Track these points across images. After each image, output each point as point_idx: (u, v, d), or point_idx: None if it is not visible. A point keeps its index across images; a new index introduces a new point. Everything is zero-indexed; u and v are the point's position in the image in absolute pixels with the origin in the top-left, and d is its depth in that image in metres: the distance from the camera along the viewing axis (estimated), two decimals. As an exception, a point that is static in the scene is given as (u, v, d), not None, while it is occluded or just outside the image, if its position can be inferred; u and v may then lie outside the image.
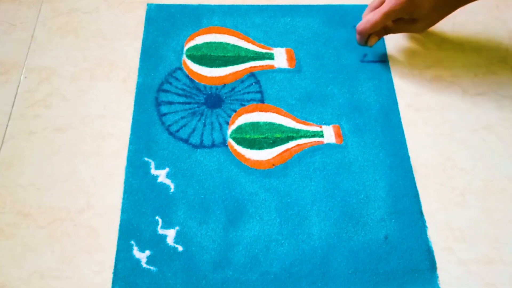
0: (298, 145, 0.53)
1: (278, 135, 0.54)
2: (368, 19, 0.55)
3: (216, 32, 0.61)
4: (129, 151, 0.52)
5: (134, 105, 0.55)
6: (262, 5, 0.63)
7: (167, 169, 0.51)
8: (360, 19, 0.61)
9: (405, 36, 0.61)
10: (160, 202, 0.49)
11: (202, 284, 0.45)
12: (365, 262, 0.47)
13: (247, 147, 0.53)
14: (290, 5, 0.63)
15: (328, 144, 0.53)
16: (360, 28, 0.55)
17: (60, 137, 0.53)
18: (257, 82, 0.57)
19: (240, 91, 0.57)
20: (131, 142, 0.52)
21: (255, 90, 0.57)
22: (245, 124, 0.54)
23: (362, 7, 0.61)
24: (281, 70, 0.58)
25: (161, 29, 0.61)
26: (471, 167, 0.52)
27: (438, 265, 0.47)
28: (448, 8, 0.55)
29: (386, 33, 0.58)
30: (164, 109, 0.55)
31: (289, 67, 0.59)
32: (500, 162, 0.53)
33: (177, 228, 0.48)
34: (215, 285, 0.45)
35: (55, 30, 0.60)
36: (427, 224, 0.49)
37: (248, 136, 0.53)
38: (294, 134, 0.54)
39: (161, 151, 0.52)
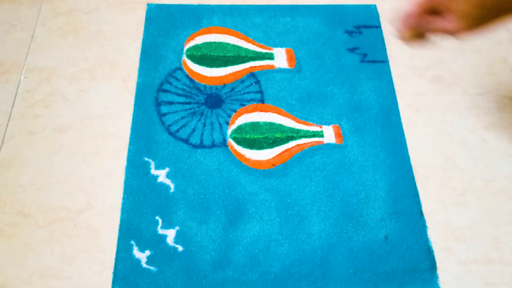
0: (298, 145, 0.53)
1: (278, 135, 0.54)
2: (403, 10, 0.51)
3: (216, 32, 0.61)
4: (129, 151, 0.52)
5: (134, 105, 0.55)
6: (262, 5, 0.63)
7: (167, 169, 0.51)
8: (359, 19, 0.61)
9: (405, 36, 0.61)
10: (160, 202, 0.49)
11: (202, 284, 0.45)
12: (365, 262, 0.47)
13: (247, 147, 0.53)
14: (290, 5, 0.63)
15: (328, 144, 0.53)
16: (398, 18, 0.52)
17: (60, 137, 0.53)
18: (257, 82, 0.57)
19: (240, 91, 0.57)
20: (131, 142, 0.52)
21: (255, 90, 0.57)
22: (245, 124, 0.54)
23: (362, 7, 0.62)
24: (281, 70, 0.58)
25: (161, 29, 0.61)
26: (471, 167, 0.52)
27: (438, 265, 0.47)
28: (493, 11, 0.46)
29: (424, 32, 0.51)
30: (164, 109, 0.55)
31: (289, 67, 0.58)
32: (500, 162, 0.53)
33: (177, 228, 0.48)
34: (215, 285, 0.45)
35: (55, 30, 0.60)
36: (427, 224, 0.49)
37: (248, 136, 0.53)
38: (294, 134, 0.54)
39: (161, 151, 0.52)
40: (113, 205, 0.49)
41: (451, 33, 0.49)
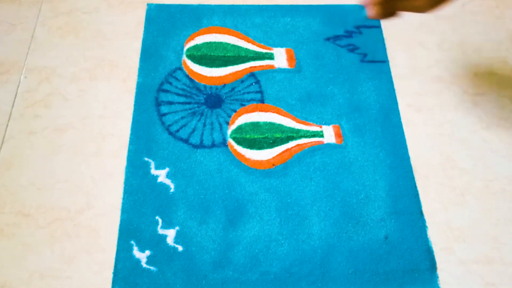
0: (298, 145, 0.53)
1: (278, 135, 0.54)
2: None
3: (216, 32, 0.61)
4: (129, 151, 0.52)
5: (134, 105, 0.55)
6: (262, 5, 0.63)
7: (167, 169, 0.51)
8: (359, 19, 0.61)
9: (405, 36, 0.61)
10: (160, 202, 0.49)
11: (202, 284, 0.45)
12: (365, 262, 0.47)
13: (247, 147, 0.53)
14: (290, 5, 0.63)
15: (328, 144, 0.53)
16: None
17: (60, 137, 0.53)
18: (257, 82, 0.57)
19: (240, 91, 0.57)
20: (131, 142, 0.52)
21: (255, 90, 0.57)
22: (245, 124, 0.54)
23: (362, 7, 0.61)
24: (281, 70, 0.58)
25: (161, 29, 0.61)
26: (471, 167, 0.52)
27: (438, 265, 0.47)
28: None
29: (392, 11, 0.54)
30: (164, 109, 0.55)
31: (289, 67, 0.58)
32: (500, 162, 0.53)
33: (177, 228, 0.48)
34: (215, 285, 0.45)
35: (55, 30, 0.60)
36: (427, 224, 0.49)
37: (248, 136, 0.53)
38: (294, 134, 0.54)
39: (161, 151, 0.52)
40: (113, 205, 0.49)
41: (418, 10, 0.52)
